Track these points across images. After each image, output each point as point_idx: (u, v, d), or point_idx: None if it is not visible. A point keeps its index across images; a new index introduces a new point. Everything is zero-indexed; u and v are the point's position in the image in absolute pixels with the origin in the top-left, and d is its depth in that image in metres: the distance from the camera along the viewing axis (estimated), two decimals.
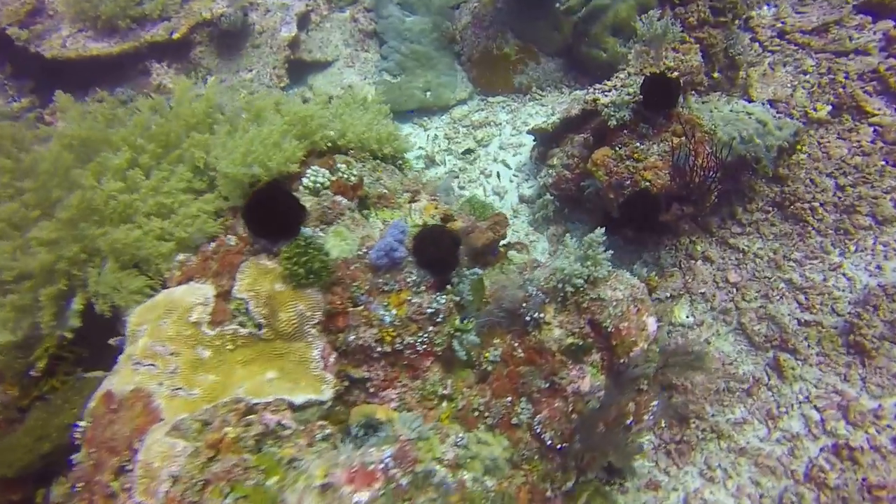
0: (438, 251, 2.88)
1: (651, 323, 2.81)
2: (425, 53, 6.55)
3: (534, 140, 5.52)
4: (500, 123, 6.23)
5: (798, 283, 4.39)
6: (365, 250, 3.10)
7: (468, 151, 5.80)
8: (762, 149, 4.48)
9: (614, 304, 2.84)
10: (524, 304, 3.05)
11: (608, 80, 4.79)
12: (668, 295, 4.59)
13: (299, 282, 2.79)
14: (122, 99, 6.35)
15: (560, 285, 2.95)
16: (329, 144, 4.08)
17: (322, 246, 2.93)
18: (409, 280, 3.00)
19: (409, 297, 2.98)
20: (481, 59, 6.55)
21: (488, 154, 5.96)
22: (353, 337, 2.90)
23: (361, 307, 2.96)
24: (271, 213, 2.84)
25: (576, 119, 4.96)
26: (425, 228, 2.99)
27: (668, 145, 4.26)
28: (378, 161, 4.12)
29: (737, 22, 5.81)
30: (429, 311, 2.97)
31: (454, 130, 6.22)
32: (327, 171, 3.75)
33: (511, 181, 5.66)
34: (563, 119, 5.05)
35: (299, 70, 6.90)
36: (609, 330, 2.82)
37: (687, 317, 4.43)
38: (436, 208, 3.93)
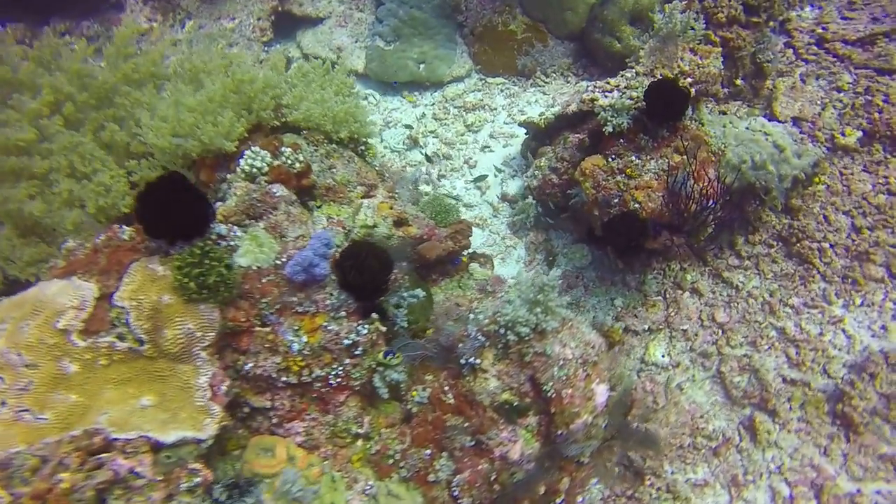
0: (363, 276, 2.43)
1: (600, 392, 2.37)
2: (424, 21, 5.94)
3: (526, 133, 4.98)
4: (496, 108, 5.67)
5: (791, 333, 3.91)
6: (286, 258, 2.66)
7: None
8: (775, 178, 3.95)
9: (561, 363, 2.40)
10: (461, 345, 2.62)
11: (613, 77, 4.22)
12: (647, 327, 4.13)
13: (191, 296, 2.36)
14: (88, 35, 5.83)
15: (503, 331, 2.51)
16: (283, 121, 3.60)
17: (226, 255, 2.48)
18: (327, 303, 2.56)
19: (324, 323, 2.55)
20: (485, 34, 5.93)
21: (476, 142, 5.42)
22: (251, 364, 2.49)
23: (269, 329, 2.54)
24: (171, 208, 2.39)
25: (573, 117, 4.41)
26: (353, 245, 2.54)
27: (667, 163, 3.73)
28: (334, 146, 3.63)
29: (771, 23, 5.17)
30: (346, 342, 2.54)
31: (444, 111, 5.67)
32: (268, 154, 3.28)
33: (496, 175, 5.15)
34: (559, 115, 4.50)
35: (287, 24, 6.31)
36: (550, 395, 2.38)
37: (662, 356, 3.99)
38: (391, 208, 3.46)
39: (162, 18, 6.10)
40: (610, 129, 3.85)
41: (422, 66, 5.87)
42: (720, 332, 4.06)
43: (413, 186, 4.32)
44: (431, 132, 5.53)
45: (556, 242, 4.69)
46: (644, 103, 3.78)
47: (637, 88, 3.97)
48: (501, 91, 5.83)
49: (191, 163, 3.44)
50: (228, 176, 3.30)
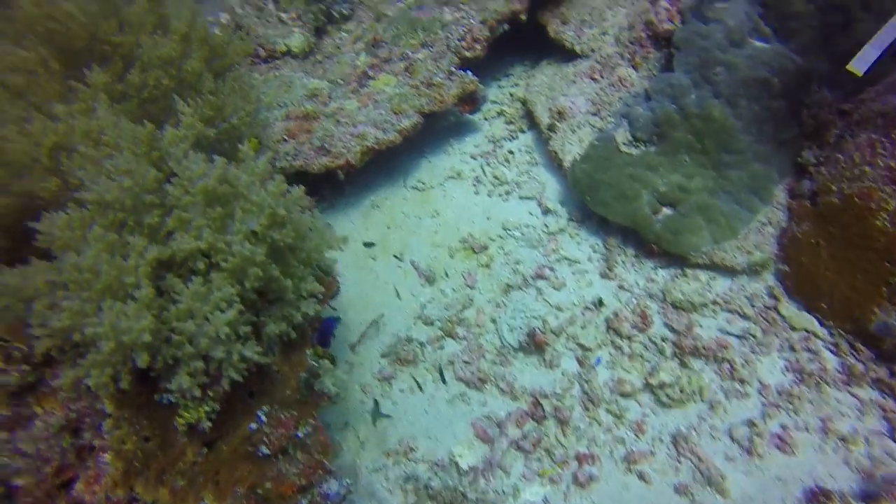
0: None
1: None
2: (725, 130, 2.88)
3: None
4: (743, 385, 2.47)
5: None
6: None
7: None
8: None
9: None
10: None
11: None
12: None
13: None
14: None
15: None
16: None
17: None
18: None
19: None
20: (838, 213, 2.59)
21: (653, 438, 2.43)
22: None
23: None
24: None
25: None
26: None
27: None
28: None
29: None
30: None
31: (639, 323, 2.73)
32: None
33: None
34: None
35: (528, 45, 3.99)
36: None
37: None
38: None
39: None
40: None
41: (664, 211, 2.93)
42: None
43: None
44: (581, 348, 2.73)
45: None
46: None
47: None
48: (789, 349, 2.53)
49: None
50: None
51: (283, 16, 4.46)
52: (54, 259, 1.49)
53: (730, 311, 2.71)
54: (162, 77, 2.02)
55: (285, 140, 3.43)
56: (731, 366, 2.53)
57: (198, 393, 1.47)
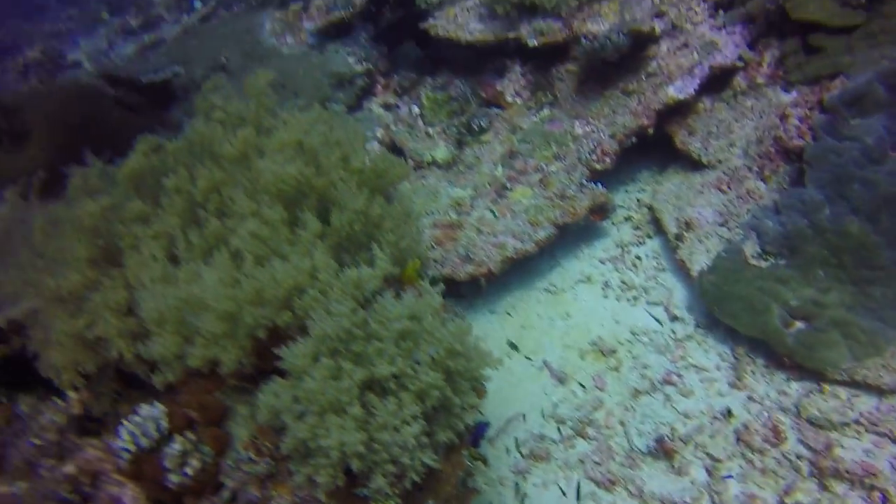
0: None
1: None
2: (865, 246, 2.92)
3: None
4: None
5: None
6: None
7: None
8: None
9: None
10: None
11: None
12: None
13: None
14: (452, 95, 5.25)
15: None
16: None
17: None
18: None
19: None
20: None
21: None
22: None
23: None
24: None
25: None
26: None
27: None
28: None
29: None
30: None
31: (771, 432, 2.77)
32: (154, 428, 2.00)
33: None
34: None
35: (653, 156, 4.25)
36: None
37: None
38: None
39: (528, 96, 4.98)
40: None
41: (797, 325, 2.99)
42: None
43: None
44: (710, 458, 2.81)
45: None
46: None
47: None
48: None
49: None
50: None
51: (430, 130, 5.14)
52: (288, 375, 2.00)
53: (878, 434, 2.67)
54: (355, 222, 2.57)
55: (433, 247, 3.95)
56: (885, 496, 2.49)
57: (388, 491, 1.88)
